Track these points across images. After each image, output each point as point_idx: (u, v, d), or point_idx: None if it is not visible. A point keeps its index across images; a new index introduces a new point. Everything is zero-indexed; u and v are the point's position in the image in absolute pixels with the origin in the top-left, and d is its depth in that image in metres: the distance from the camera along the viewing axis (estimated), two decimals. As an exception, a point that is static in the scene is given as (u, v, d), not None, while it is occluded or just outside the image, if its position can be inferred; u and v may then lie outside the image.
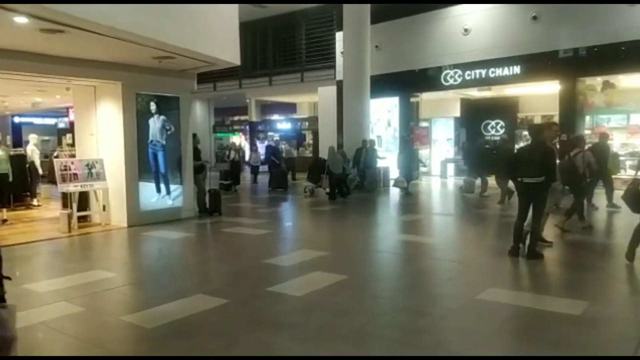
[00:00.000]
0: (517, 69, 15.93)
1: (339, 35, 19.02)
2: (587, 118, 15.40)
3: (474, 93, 18.72)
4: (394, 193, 14.38)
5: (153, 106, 9.75)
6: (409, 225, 9.61)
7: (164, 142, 9.93)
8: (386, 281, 5.93)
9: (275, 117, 27.95)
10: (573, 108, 15.07)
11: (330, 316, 4.44)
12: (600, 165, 9.22)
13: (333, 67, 20.68)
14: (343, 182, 13.81)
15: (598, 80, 15.15)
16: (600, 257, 6.91)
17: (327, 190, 13.68)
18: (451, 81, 17.47)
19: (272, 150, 17.92)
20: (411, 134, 18.49)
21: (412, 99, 19.49)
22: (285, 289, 5.25)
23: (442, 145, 20.10)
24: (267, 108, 27.74)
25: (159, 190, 9.81)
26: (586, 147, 9.10)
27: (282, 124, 27.23)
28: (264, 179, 18.04)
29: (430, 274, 6.19)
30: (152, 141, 9.73)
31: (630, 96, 14.89)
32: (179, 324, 4.31)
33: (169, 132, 10.01)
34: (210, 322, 4.37)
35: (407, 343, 3.87)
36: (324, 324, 4.24)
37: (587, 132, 15.06)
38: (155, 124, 9.81)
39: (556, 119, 15.30)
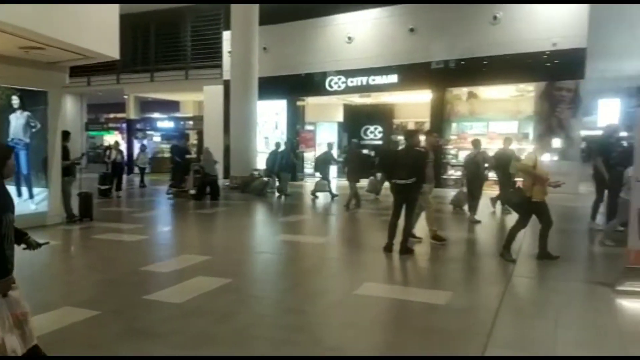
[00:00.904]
0: (394, 78, 16.99)
1: (226, 35, 18.76)
2: (454, 125, 16.88)
3: (356, 99, 19.58)
4: (285, 195, 14.50)
5: (16, 101, 8.80)
6: (292, 226, 9.78)
7: (27, 141, 9.01)
8: (269, 282, 5.98)
9: (156, 115, 26.71)
10: (442, 115, 16.46)
11: (211, 321, 4.37)
12: (499, 169, 10.33)
13: (220, 66, 20.34)
14: (214, 183, 13.67)
15: (464, 91, 16.71)
16: (466, 251, 7.59)
17: (193, 191, 13.62)
18: (335, 87, 18.11)
19: (178, 150, 15.66)
20: (297, 137, 18.80)
21: (299, 103, 19.86)
22: (163, 297, 5.04)
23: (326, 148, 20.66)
24: (147, 105, 26.38)
25: (19, 194, 8.88)
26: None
27: (164, 122, 26.08)
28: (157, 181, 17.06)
29: (312, 273, 6.36)
30: (12, 139, 8.78)
31: (490, 106, 16.64)
32: (43, 339, 3.94)
33: (33, 130, 9.11)
34: (80, 335, 4.07)
35: (287, 341, 3.95)
36: (205, 329, 4.16)
37: (453, 137, 16.55)
38: (17, 120, 8.87)
39: (427, 126, 16.62)
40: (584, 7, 14.03)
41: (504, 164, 9.87)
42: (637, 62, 31.63)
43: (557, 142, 14.21)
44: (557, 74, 14.54)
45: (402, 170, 6.81)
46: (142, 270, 6.14)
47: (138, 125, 25.44)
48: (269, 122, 19.97)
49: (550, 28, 14.47)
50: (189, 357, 3.67)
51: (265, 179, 14.77)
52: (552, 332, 4.07)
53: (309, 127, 20.57)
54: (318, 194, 13.73)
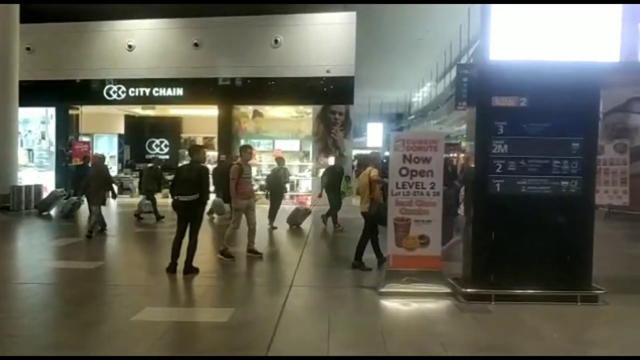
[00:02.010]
0: (180, 91, 16.60)
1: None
2: (242, 141, 17.24)
3: (139, 110, 18.52)
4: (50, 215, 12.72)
5: None
6: (65, 250, 8.61)
7: None
8: (31, 317, 5.10)
9: None
10: (229, 132, 16.69)
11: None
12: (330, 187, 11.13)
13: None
14: None
15: (250, 109, 17.23)
16: (255, 266, 7.57)
17: None
18: (114, 96, 16.84)
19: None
20: (70, 149, 16.86)
21: (72, 111, 17.84)
22: None
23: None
24: None
25: None
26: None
27: None
28: None
29: (85, 301, 5.67)
30: None
31: (275, 124, 17.51)
32: None
33: None
34: None
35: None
36: None
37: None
38: None
39: (215, 141, 16.66)
40: (352, 40, 15.83)
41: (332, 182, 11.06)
42: (395, 93, 37.30)
43: (331, 160, 15.66)
44: (331, 99, 16.09)
45: (184, 187, 6.62)
46: None
47: None
48: (35, 131, 17.49)
49: (324, 56, 15.95)
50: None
51: (75, 198, 12.48)
52: (326, 336, 4.38)
53: (84, 139, 18.59)
54: (143, 215, 12.14)
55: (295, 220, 11.22)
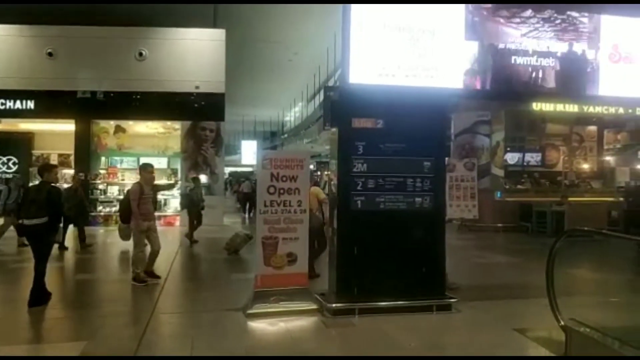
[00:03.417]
0: (31, 104, 14.98)
1: None
2: (103, 159, 16.04)
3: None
4: None
5: None
6: None
7: None
8: None
9: None
10: (88, 148, 15.42)
11: None
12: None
13: None
14: None
15: (111, 124, 16.10)
16: (119, 290, 7.10)
17: None
18: (-50, 107, 14.65)
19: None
20: None
21: None
22: None
23: None
24: None
25: None
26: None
27: None
28: None
29: None
30: None
31: (140, 141, 16.54)
32: None
33: None
34: None
35: None
36: None
37: (102, 171, 15.71)
38: None
39: (72, 159, 15.28)
40: (222, 57, 15.65)
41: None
42: (269, 111, 37.74)
43: (204, 178, 15.25)
44: (200, 115, 15.68)
45: (31, 209, 5.94)
46: None
47: None
48: None
49: (193, 72, 15.54)
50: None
51: None
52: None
53: None
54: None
55: (233, 245, 10.03)
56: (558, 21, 11.50)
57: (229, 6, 15.94)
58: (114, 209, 14.63)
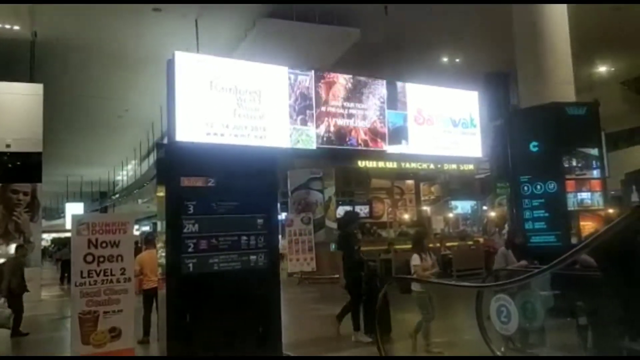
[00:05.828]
0: None
1: None
2: None
3: None
4: None
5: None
6: None
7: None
8: None
9: None
10: None
11: None
12: None
13: None
14: None
15: None
16: None
17: None
18: None
19: None
20: None
21: None
22: None
23: None
24: None
25: None
26: None
27: None
28: None
29: None
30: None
31: None
32: None
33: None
34: None
35: None
36: None
37: None
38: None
39: None
40: (39, 113, 14.21)
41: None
42: (97, 170, 35.01)
43: (12, 249, 13.26)
44: (12, 176, 13.92)
45: None
46: None
47: None
48: None
49: (4, 129, 13.84)
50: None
51: None
52: None
53: None
54: None
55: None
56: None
57: (48, 60, 14.74)
58: None
